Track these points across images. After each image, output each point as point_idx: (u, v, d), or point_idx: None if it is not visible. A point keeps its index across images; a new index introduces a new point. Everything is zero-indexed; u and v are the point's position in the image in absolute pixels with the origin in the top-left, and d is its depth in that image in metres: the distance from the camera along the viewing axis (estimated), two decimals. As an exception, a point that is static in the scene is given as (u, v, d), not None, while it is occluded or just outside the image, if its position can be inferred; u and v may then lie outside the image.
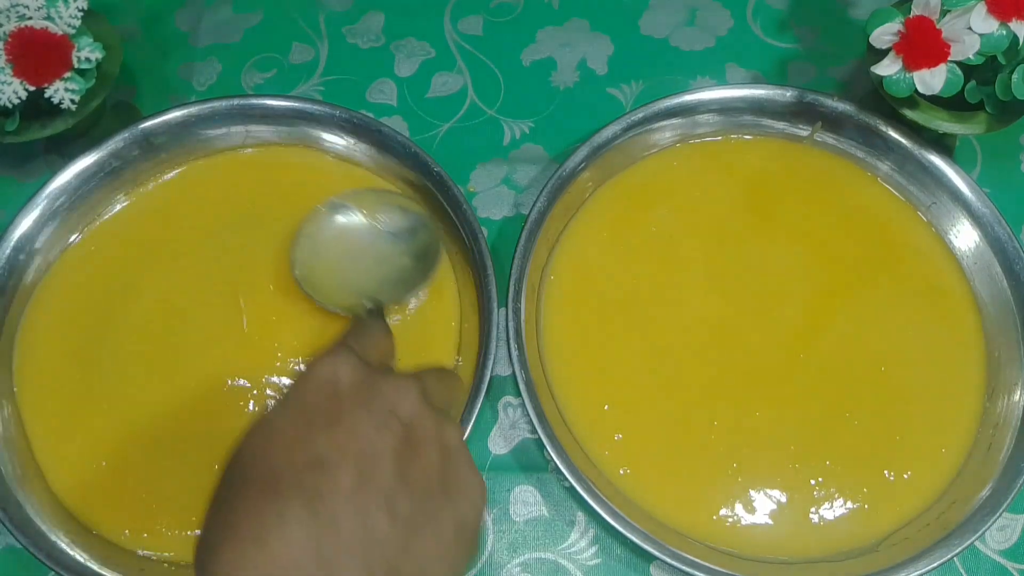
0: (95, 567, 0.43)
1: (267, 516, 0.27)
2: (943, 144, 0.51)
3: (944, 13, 0.46)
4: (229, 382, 0.47)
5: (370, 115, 0.52)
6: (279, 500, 0.28)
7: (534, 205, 0.49)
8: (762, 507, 0.45)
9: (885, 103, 0.49)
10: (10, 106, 0.46)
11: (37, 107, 0.48)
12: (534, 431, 0.45)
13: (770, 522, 0.45)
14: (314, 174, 0.53)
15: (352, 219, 0.48)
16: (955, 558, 0.44)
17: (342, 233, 0.47)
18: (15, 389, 0.47)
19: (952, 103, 0.48)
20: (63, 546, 0.43)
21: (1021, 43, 0.45)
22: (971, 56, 0.45)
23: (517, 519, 0.47)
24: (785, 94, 0.52)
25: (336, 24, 0.60)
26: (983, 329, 0.49)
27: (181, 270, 0.50)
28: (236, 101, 0.52)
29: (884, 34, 0.47)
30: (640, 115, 0.51)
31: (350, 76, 0.58)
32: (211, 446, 0.46)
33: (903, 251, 0.51)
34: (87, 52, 0.48)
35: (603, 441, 0.46)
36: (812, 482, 0.45)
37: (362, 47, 0.59)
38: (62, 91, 0.47)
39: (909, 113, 0.49)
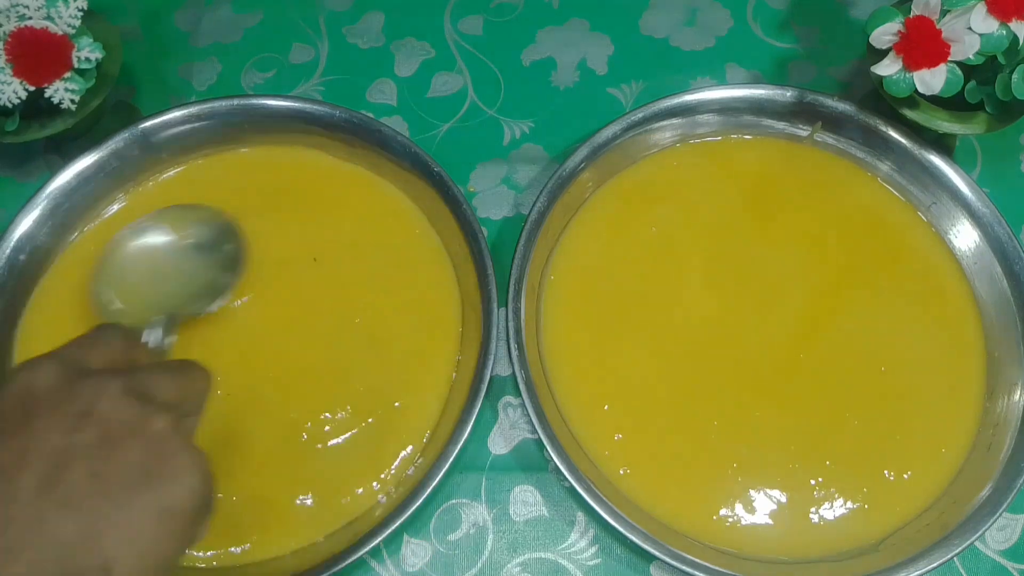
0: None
1: None
2: (943, 144, 0.51)
3: (944, 13, 0.46)
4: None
5: (370, 115, 0.52)
6: None
7: (534, 205, 0.49)
8: (762, 507, 0.45)
9: (885, 103, 0.49)
10: (10, 106, 0.46)
11: (37, 107, 0.48)
12: (534, 431, 0.45)
13: (770, 522, 0.45)
14: (314, 174, 0.53)
15: (154, 238, 0.47)
16: (955, 558, 0.44)
17: (143, 254, 0.47)
18: (15, 389, 0.47)
19: (952, 103, 0.48)
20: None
21: (1021, 43, 0.45)
22: (971, 56, 0.45)
23: (517, 519, 0.47)
24: (785, 94, 0.52)
25: (336, 24, 0.60)
26: (983, 329, 0.49)
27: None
28: (236, 101, 0.52)
29: (884, 34, 0.47)
30: (640, 115, 0.51)
31: (350, 76, 0.58)
32: (210, 446, 0.46)
33: (903, 251, 0.51)
34: (87, 52, 0.48)
35: (603, 441, 0.46)
36: (812, 482, 0.45)
37: (362, 47, 0.59)
38: (62, 91, 0.47)
39: (909, 113, 0.49)
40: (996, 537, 0.46)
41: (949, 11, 0.45)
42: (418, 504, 0.43)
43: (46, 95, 0.47)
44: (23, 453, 0.29)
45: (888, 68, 0.47)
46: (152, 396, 0.32)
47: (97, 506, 0.29)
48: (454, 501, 0.47)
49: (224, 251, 0.48)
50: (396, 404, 0.47)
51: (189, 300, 0.46)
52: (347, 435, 0.46)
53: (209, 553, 0.44)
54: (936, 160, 0.51)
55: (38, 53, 0.46)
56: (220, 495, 0.45)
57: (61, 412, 0.31)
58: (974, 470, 0.45)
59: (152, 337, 0.41)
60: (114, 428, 0.31)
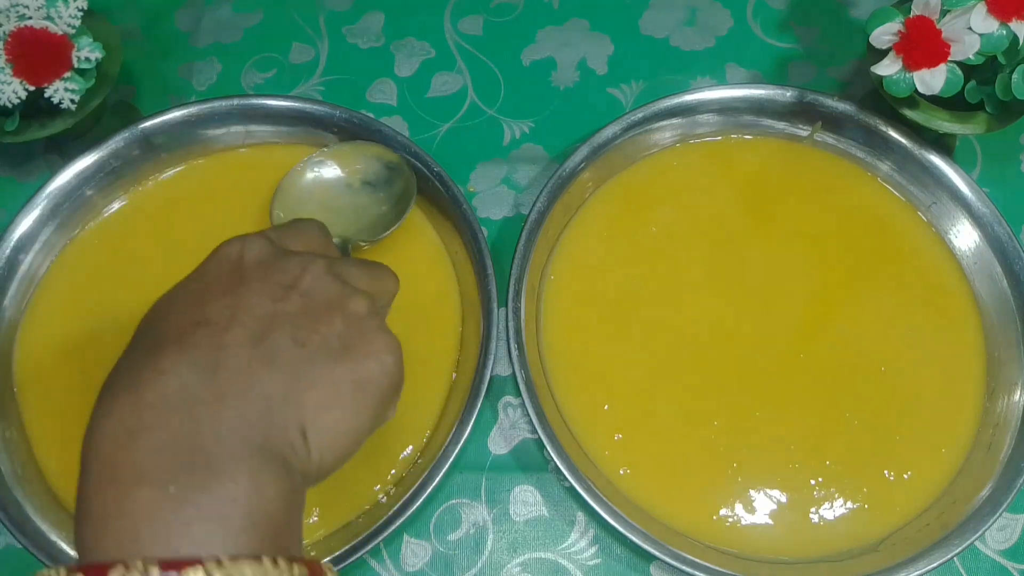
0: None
1: (144, 371, 0.29)
2: (943, 144, 0.51)
3: (944, 13, 0.46)
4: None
5: (370, 115, 0.52)
6: (158, 354, 0.29)
7: (534, 205, 0.49)
8: (762, 507, 0.45)
9: (885, 103, 0.49)
10: (10, 106, 0.46)
11: (37, 107, 0.48)
12: (534, 431, 0.45)
13: (770, 522, 0.45)
14: (314, 174, 0.53)
15: (328, 172, 0.50)
16: (955, 558, 0.44)
17: (317, 186, 0.49)
18: (15, 389, 0.47)
19: (952, 103, 0.48)
20: (63, 546, 0.43)
21: (1021, 43, 0.45)
22: (971, 56, 0.45)
23: (517, 519, 0.47)
24: (785, 94, 0.52)
25: (336, 24, 0.60)
26: (983, 329, 0.49)
27: (181, 270, 0.50)
28: (236, 101, 0.52)
29: (884, 34, 0.47)
30: (640, 115, 0.51)
31: (350, 76, 0.58)
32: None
33: (903, 251, 0.51)
34: (87, 52, 0.48)
35: (603, 441, 0.46)
36: (812, 482, 0.45)
37: (362, 47, 0.59)
38: (62, 91, 0.47)
39: (909, 113, 0.49)
40: (996, 537, 0.46)
41: (949, 11, 0.45)
42: (418, 504, 0.43)
43: (46, 95, 0.47)
44: (235, 310, 0.30)
45: (888, 68, 0.47)
46: (351, 281, 0.34)
47: (299, 369, 0.30)
48: (454, 501, 0.47)
49: (393, 186, 0.50)
50: (396, 404, 0.47)
51: (360, 230, 0.48)
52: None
53: (209, 553, 0.44)
54: (936, 160, 0.51)
55: (38, 53, 0.46)
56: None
57: (270, 281, 0.32)
58: (974, 470, 0.45)
59: None
60: (317, 302, 0.32)
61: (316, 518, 0.45)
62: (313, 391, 0.30)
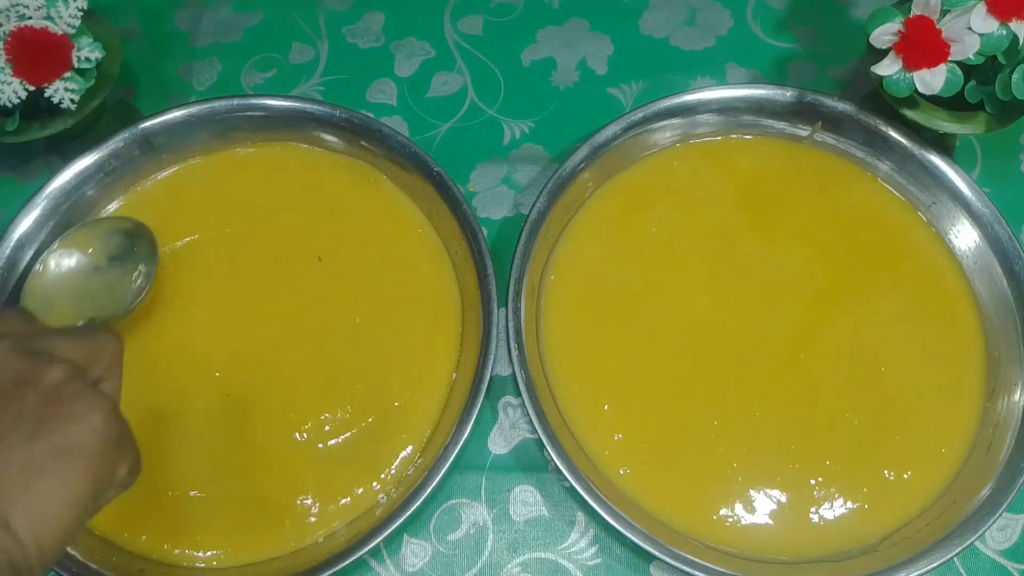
0: (95, 567, 0.43)
1: None
2: (943, 144, 0.51)
3: (944, 13, 0.46)
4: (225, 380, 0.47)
5: (370, 115, 0.52)
6: None
7: (534, 205, 0.49)
8: (762, 507, 0.45)
9: (885, 103, 0.49)
10: (10, 106, 0.46)
11: (37, 107, 0.48)
12: (534, 431, 0.45)
13: (770, 522, 0.45)
14: (314, 174, 0.53)
15: (70, 261, 0.47)
16: (955, 558, 0.44)
17: (64, 279, 0.47)
18: (15, 389, 0.47)
19: (952, 103, 0.48)
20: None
21: (1021, 43, 0.45)
22: (971, 56, 0.45)
23: (517, 519, 0.47)
24: (785, 94, 0.52)
25: (336, 24, 0.60)
26: (983, 329, 0.49)
27: (181, 269, 0.50)
28: (236, 101, 0.52)
29: (884, 34, 0.47)
30: (640, 115, 0.51)
31: (350, 76, 0.58)
32: (211, 446, 0.46)
33: (903, 251, 0.51)
34: (87, 52, 0.48)
35: (603, 441, 0.46)
36: (812, 482, 0.45)
37: (362, 47, 0.59)
38: (62, 91, 0.47)
39: (909, 113, 0.49)
40: (996, 537, 0.46)
41: (949, 11, 0.45)
42: (418, 504, 0.43)
43: (46, 95, 0.47)
44: None
45: (888, 68, 0.47)
46: (48, 355, 0.32)
47: None
48: (454, 501, 0.47)
49: (140, 250, 0.48)
50: (396, 404, 0.47)
51: (119, 306, 0.46)
52: (347, 435, 0.46)
53: (209, 553, 0.44)
54: (936, 160, 0.51)
55: (38, 53, 0.46)
56: (222, 493, 0.45)
57: None
58: (974, 470, 0.45)
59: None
60: (3, 381, 0.30)
61: (315, 518, 0.45)
62: (8, 474, 0.28)
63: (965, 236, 0.50)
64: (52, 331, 0.35)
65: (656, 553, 0.42)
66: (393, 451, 0.46)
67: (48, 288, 0.46)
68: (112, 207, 0.52)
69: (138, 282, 0.47)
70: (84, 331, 0.36)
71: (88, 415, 0.31)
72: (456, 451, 0.44)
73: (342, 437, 0.46)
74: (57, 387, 0.31)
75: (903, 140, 0.51)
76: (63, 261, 0.47)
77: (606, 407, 0.47)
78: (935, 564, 0.42)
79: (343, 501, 0.45)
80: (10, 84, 0.46)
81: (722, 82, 0.57)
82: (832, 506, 0.45)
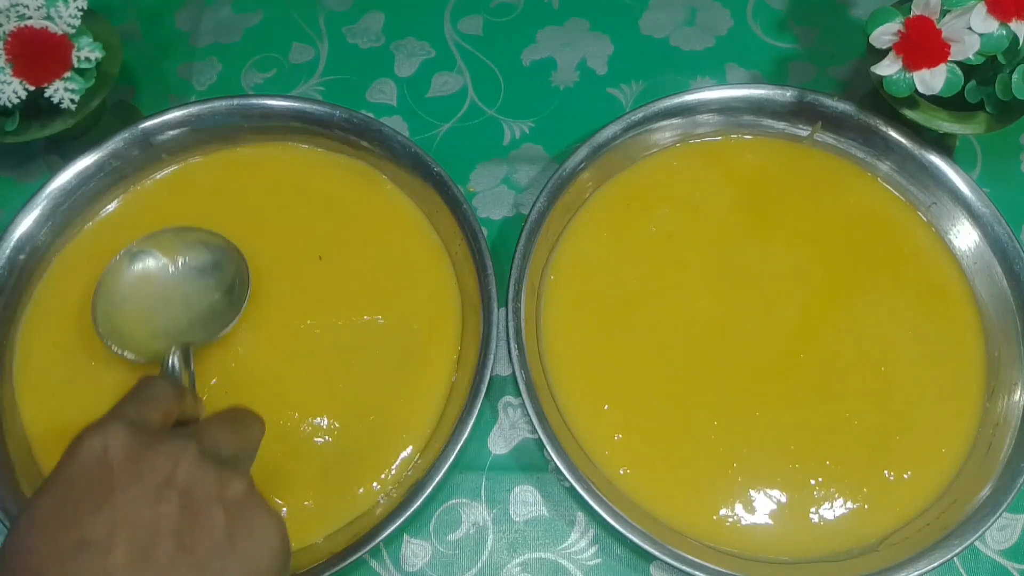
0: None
1: None
2: (943, 144, 0.51)
3: (944, 13, 0.46)
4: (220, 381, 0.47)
5: (370, 115, 0.52)
6: None
7: (534, 205, 0.49)
8: (762, 507, 0.45)
9: (885, 103, 0.49)
10: (10, 106, 0.46)
11: (37, 107, 0.48)
12: (534, 431, 0.45)
13: (770, 522, 0.45)
14: (314, 174, 0.53)
15: (151, 263, 0.47)
16: (955, 558, 0.44)
17: (143, 280, 0.46)
18: (15, 389, 0.47)
19: (952, 103, 0.48)
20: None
21: (1021, 43, 0.45)
22: (971, 56, 0.45)
23: (517, 519, 0.47)
24: (785, 94, 0.52)
25: (336, 24, 0.60)
26: (983, 329, 0.49)
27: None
28: (236, 101, 0.52)
29: (884, 34, 0.47)
30: (640, 115, 0.51)
31: (350, 76, 0.58)
32: (211, 446, 0.46)
33: (903, 251, 0.51)
34: (87, 52, 0.48)
35: (603, 441, 0.46)
36: (812, 482, 0.45)
37: (362, 47, 0.59)
38: (62, 91, 0.47)
39: (909, 113, 0.49)
40: (996, 537, 0.46)
41: (949, 11, 0.45)
42: (418, 504, 0.43)
43: (46, 95, 0.47)
44: (112, 527, 0.29)
45: (888, 68, 0.47)
46: (221, 455, 0.33)
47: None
48: (454, 501, 0.47)
49: (223, 272, 0.47)
50: (396, 404, 0.47)
51: (194, 326, 0.46)
52: (347, 435, 0.46)
53: (209, 553, 0.44)
54: (936, 160, 0.51)
55: (38, 53, 0.46)
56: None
57: (143, 483, 0.30)
58: (974, 470, 0.45)
59: (171, 370, 0.42)
60: (195, 496, 0.31)
61: (315, 518, 0.45)
62: None
63: (965, 236, 0.50)
64: (213, 420, 0.35)
65: (656, 553, 0.42)
66: (393, 451, 0.46)
67: (125, 287, 0.46)
68: (112, 207, 0.52)
69: (220, 304, 0.46)
70: (236, 418, 0.36)
71: (269, 536, 0.32)
72: (456, 451, 0.44)
73: (341, 438, 0.46)
74: (240, 503, 0.32)
75: (903, 140, 0.51)
76: (143, 262, 0.47)
77: (606, 407, 0.47)
78: (935, 564, 0.42)
79: (342, 502, 0.45)
80: (10, 84, 0.46)
81: (722, 82, 0.57)
82: (832, 506, 0.45)
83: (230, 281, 0.47)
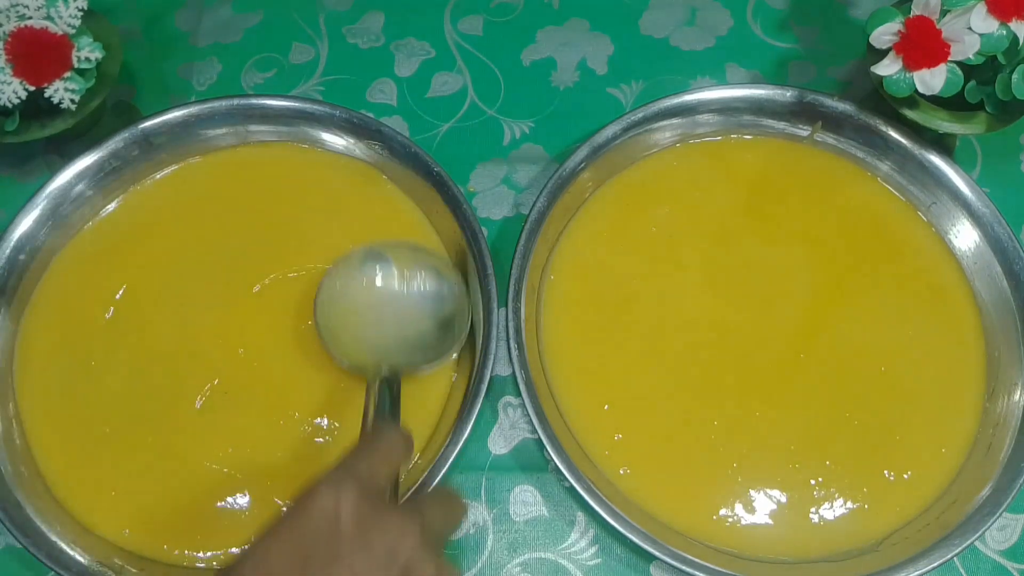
0: (95, 567, 0.43)
1: None
2: (943, 144, 0.51)
3: (944, 13, 0.46)
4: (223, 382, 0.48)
5: (370, 115, 0.52)
6: None
7: (534, 205, 0.49)
8: (762, 507, 0.45)
9: (885, 103, 0.49)
10: (10, 106, 0.46)
11: (37, 107, 0.48)
12: (534, 431, 0.45)
13: (770, 522, 0.45)
14: (314, 174, 0.53)
15: (384, 271, 0.45)
16: (955, 558, 0.44)
17: (371, 283, 0.45)
18: (15, 389, 0.47)
19: (952, 103, 0.48)
20: (63, 546, 0.43)
21: (1021, 43, 0.45)
22: (971, 56, 0.45)
23: (517, 519, 0.47)
24: (785, 94, 0.52)
25: (336, 24, 0.60)
26: (983, 329, 0.49)
27: (180, 270, 0.50)
28: (236, 101, 0.52)
29: (884, 34, 0.47)
30: (640, 115, 0.51)
31: (350, 76, 0.58)
32: (211, 447, 0.46)
33: (903, 251, 0.51)
34: (87, 52, 0.48)
35: (603, 441, 0.46)
36: (812, 482, 0.45)
37: (362, 47, 0.59)
38: (62, 91, 0.47)
39: (909, 113, 0.49)
40: (996, 537, 0.46)
41: (949, 11, 0.45)
42: (418, 504, 0.43)
43: (46, 95, 0.47)
44: None
45: (888, 68, 0.47)
46: (434, 525, 0.34)
47: None
48: (454, 501, 0.47)
49: (443, 305, 0.46)
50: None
51: (397, 347, 0.45)
52: (347, 435, 0.46)
53: (210, 553, 0.44)
54: (936, 160, 0.51)
55: (38, 53, 0.46)
56: (225, 496, 0.45)
57: (371, 553, 0.31)
58: (974, 470, 0.45)
59: (376, 388, 0.42)
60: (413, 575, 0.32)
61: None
62: None
63: (965, 236, 0.50)
64: (434, 502, 0.36)
65: (656, 553, 0.42)
66: (393, 451, 0.46)
67: (353, 290, 0.45)
68: (112, 207, 0.52)
69: (430, 335, 0.45)
70: (452, 503, 0.37)
71: None
72: (456, 451, 0.44)
73: (342, 438, 0.46)
74: None
75: (903, 140, 0.51)
76: (376, 265, 0.45)
77: (606, 407, 0.47)
78: (935, 564, 0.42)
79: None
80: (10, 84, 0.46)
81: (722, 82, 0.57)
82: (832, 506, 0.45)
83: (448, 316, 0.46)
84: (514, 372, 0.45)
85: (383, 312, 0.45)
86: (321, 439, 0.47)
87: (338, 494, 0.32)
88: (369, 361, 0.44)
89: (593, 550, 0.46)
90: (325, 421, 0.47)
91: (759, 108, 0.53)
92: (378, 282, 0.45)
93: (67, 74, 0.47)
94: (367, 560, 0.31)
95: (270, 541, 0.31)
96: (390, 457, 0.36)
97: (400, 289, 0.45)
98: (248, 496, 0.45)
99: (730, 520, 0.45)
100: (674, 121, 0.52)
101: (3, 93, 0.46)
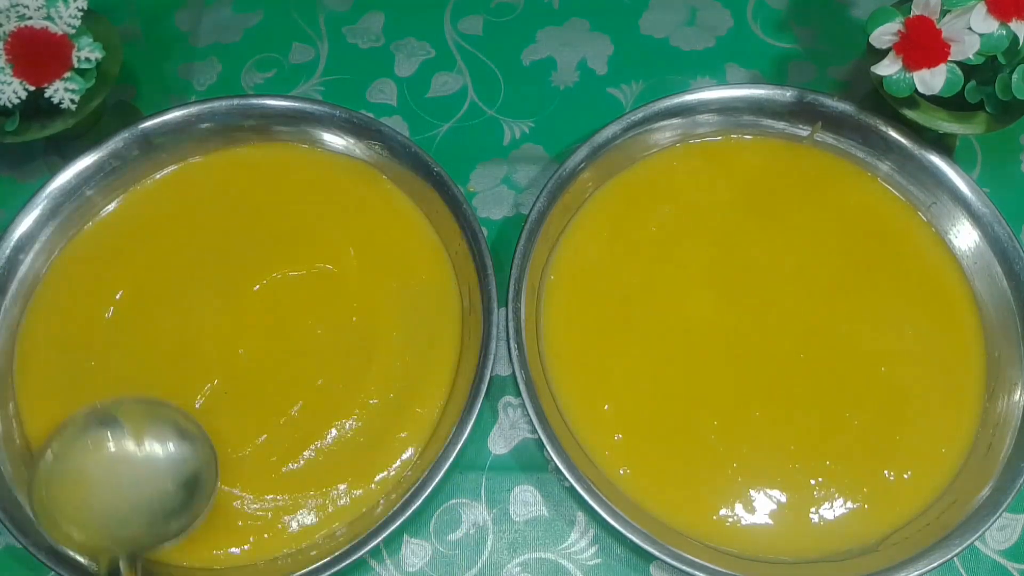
0: (95, 567, 0.43)
1: None
2: (943, 144, 0.51)
3: (944, 13, 0.46)
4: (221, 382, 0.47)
5: (370, 115, 0.52)
6: None
7: (534, 205, 0.49)
8: (762, 507, 0.45)
9: (885, 103, 0.49)
10: (10, 106, 0.46)
11: (37, 107, 0.48)
12: (534, 431, 0.45)
13: (770, 522, 0.45)
14: (314, 174, 0.53)
15: (115, 435, 0.41)
16: (955, 558, 0.44)
17: (100, 449, 0.41)
18: (15, 389, 0.47)
19: (952, 103, 0.48)
20: (63, 546, 0.43)
21: (1021, 43, 0.45)
22: (971, 56, 0.45)
23: (517, 519, 0.47)
24: (785, 94, 0.52)
25: (336, 24, 0.60)
26: (983, 329, 0.49)
27: (181, 270, 0.50)
28: (236, 101, 0.52)
29: (884, 34, 0.47)
30: (640, 115, 0.51)
31: (350, 76, 0.58)
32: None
33: (903, 251, 0.51)
34: (87, 52, 0.48)
35: (603, 441, 0.46)
36: (812, 482, 0.45)
37: (362, 47, 0.59)
38: (62, 91, 0.47)
39: (909, 113, 0.49)
40: (996, 537, 0.46)
41: (949, 11, 0.45)
42: (418, 504, 0.43)
43: (46, 95, 0.47)
44: None
45: (888, 68, 0.47)
46: None
47: None
48: (454, 501, 0.47)
49: (183, 465, 0.42)
50: (396, 404, 0.47)
51: (134, 516, 0.41)
52: (347, 436, 0.46)
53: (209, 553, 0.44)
54: (936, 160, 0.51)
55: (38, 53, 0.46)
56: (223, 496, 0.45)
57: None
58: (974, 470, 0.45)
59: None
60: None
61: (314, 519, 0.45)
62: None
63: (965, 236, 0.50)
64: None
65: (656, 553, 0.42)
66: (393, 452, 0.46)
67: (76, 455, 0.40)
68: (112, 207, 0.52)
69: (171, 497, 0.41)
70: None
71: None
72: (456, 451, 0.44)
73: (342, 438, 0.46)
74: None
75: (903, 140, 0.51)
76: (105, 429, 0.40)
77: (606, 407, 0.47)
78: (935, 564, 0.42)
79: (342, 502, 0.45)
80: (10, 84, 0.46)
81: (722, 82, 0.57)
82: (832, 506, 0.45)
83: (190, 475, 0.41)
84: (514, 372, 0.45)
85: (118, 481, 0.40)
86: (321, 443, 0.46)
87: None
88: (103, 542, 0.40)
89: (593, 550, 0.46)
90: (325, 421, 0.47)
91: (759, 108, 0.53)
92: (109, 448, 0.41)
93: (67, 74, 0.47)
94: None
95: None
96: None
97: (134, 453, 0.41)
98: (247, 496, 0.45)
99: (730, 520, 0.45)
100: (674, 121, 0.52)
101: (3, 93, 0.46)
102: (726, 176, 0.53)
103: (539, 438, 0.44)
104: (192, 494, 0.42)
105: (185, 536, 0.41)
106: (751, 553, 0.44)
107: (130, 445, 0.41)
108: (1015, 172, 0.55)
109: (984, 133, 0.48)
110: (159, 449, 0.42)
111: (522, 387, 0.44)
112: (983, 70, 0.47)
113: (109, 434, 0.41)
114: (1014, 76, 0.45)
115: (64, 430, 0.42)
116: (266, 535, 0.45)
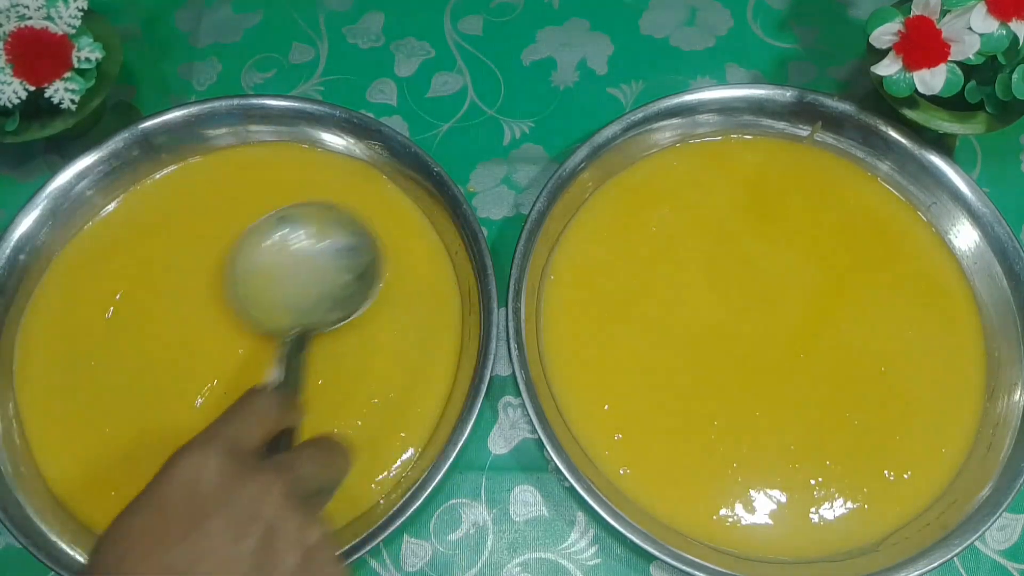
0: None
1: None
2: (943, 144, 0.51)
3: (944, 13, 0.46)
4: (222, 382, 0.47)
5: (370, 115, 0.52)
6: None
7: (534, 205, 0.49)
8: (762, 507, 0.45)
9: (885, 103, 0.49)
10: (10, 106, 0.46)
11: (37, 107, 0.48)
12: (534, 431, 0.45)
13: (770, 522, 0.45)
14: (314, 174, 0.53)
15: (294, 232, 0.47)
16: (955, 558, 0.44)
17: (283, 246, 0.47)
18: (15, 389, 0.47)
19: (952, 103, 0.48)
20: (63, 546, 0.43)
21: (1021, 43, 0.45)
22: (971, 56, 0.45)
23: (517, 519, 0.47)
24: (785, 94, 0.52)
25: (336, 24, 0.60)
26: (983, 329, 0.49)
27: (181, 270, 0.50)
28: (236, 101, 0.52)
29: (884, 34, 0.47)
30: (640, 115, 0.51)
31: (350, 76, 0.58)
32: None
33: (903, 251, 0.51)
34: (87, 52, 0.48)
35: (603, 441, 0.46)
36: (812, 482, 0.45)
37: (362, 47, 0.59)
38: (62, 91, 0.47)
39: (909, 113, 0.49)
40: (996, 537, 0.46)
41: (949, 11, 0.45)
42: (418, 504, 0.43)
43: (46, 95, 0.47)
44: (196, 558, 0.29)
45: (888, 68, 0.47)
46: (308, 489, 0.33)
47: None
48: (454, 501, 0.47)
49: (359, 257, 0.47)
50: (396, 404, 0.47)
51: (320, 304, 0.46)
52: (346, 436, 0.46)
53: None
54: (936, 160, 0.51)
55: (38, 53, 0.46)
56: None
57: (230, 515, 0.30)
58: (974, 470, 0.45)
59: (286, 350, 0.43)
60: (276, 536, 0.31)
61: (316, 518, 0.45)
62: None
63: (965, 236, 0.50)
64: (304, 455, 0.35)
65: (656, 553, 0.42)
66: (393, 452, 0.46)
67: (263, 251, 0.46)
68: (112, 207, 0.52)
69: (350, 287, 0.46)
70: (329, 452, 0.36)
71: None
72: (456, 451, 0.44)
73: (341, 437, 0.46)
74: (314, 552, 0.32)
75: (903, 140, 0.51)
76: (285, 228, 0.46)
77: (606, 407, 0.47)
78: (935, 564, 0.42)
79: (343, 501, 0.45)
80: (10, 84, 0.46)
81: (722, 82, 0.57)
82: (832, 506, 0.45)
83: (364, 267, 0.47)
84: (514, 372, 0.45)
85: (301, 273, 0.46)
86: (321, 439, 0.47)
87: (199, 458, 0.31)
88: (287, 324, 0.45)
89: (593, 550, 0.46)
90: (324, 422, 0.47)
91: (759, 108, 0.53)
92: (293, 244, 0.46)
93: (67, 74, 0.47)
94: (226, 523, 0.30)
95: (132, 512, 0.31)
96: (261, 421, 0.35)
97: (315, 247, 0.47)
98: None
99: (730, 520, 0.45)
100: (674, 121, 0.52)
101: (3, 93, 0.46)
102: (726, 176, 0.53)
103: (539, 438, 0.44)
104: (363, 282, 0.47)
105: (358, 314, 0.46)
106: (751, 553, 0.44)
107: (311, 241, 0.47)
108: (1015, 172, 0.55)
109: (984, 133, 0.48)
110: (335, 244, 0.47)
111: (522, 387, 0.44)
112: (983, 70, 0.47)
113: (291, 231, 0.47)
114: (1014, 76, 0.45)
115: (253, 231, 0.47)
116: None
